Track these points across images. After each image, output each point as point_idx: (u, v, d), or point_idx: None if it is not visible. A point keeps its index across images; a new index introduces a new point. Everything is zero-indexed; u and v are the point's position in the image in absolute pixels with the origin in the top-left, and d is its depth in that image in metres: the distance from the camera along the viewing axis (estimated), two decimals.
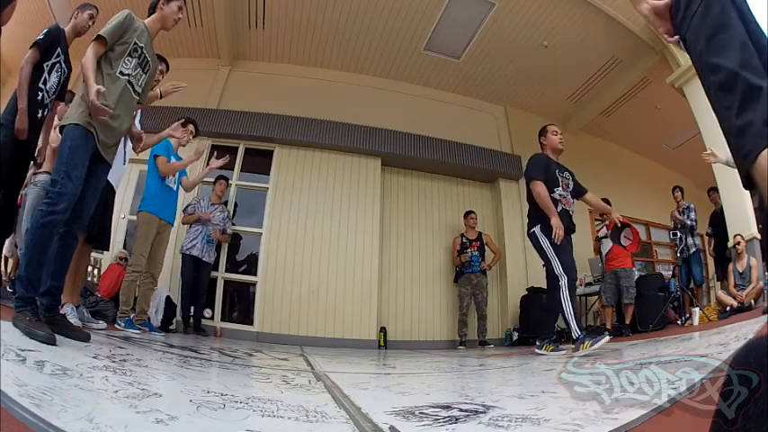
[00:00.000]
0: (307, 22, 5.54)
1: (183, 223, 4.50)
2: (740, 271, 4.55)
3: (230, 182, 4.86)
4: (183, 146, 3.81)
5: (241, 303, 5.45)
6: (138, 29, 2.07)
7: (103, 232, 3.06)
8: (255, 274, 5.31)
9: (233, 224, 4.94)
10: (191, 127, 3.74)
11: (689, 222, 5.14)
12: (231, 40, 5.76)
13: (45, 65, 2.54)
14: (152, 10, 2.20)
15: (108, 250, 3.30)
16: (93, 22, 2.70)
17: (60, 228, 1.83)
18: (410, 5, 5.22)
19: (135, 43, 2.04)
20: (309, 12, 5.38)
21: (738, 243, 4.45)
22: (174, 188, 3.81)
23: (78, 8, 2.76)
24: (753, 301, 4.32)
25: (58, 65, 2.59)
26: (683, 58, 5.13)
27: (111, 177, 2.72)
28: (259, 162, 5.72)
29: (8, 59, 4.48)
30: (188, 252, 4.34)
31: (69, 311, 2.56)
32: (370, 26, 5.54)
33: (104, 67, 1.97)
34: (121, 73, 2.00)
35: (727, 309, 4.48)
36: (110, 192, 2.91)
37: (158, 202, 3.58)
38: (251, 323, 5.13)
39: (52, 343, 1.50)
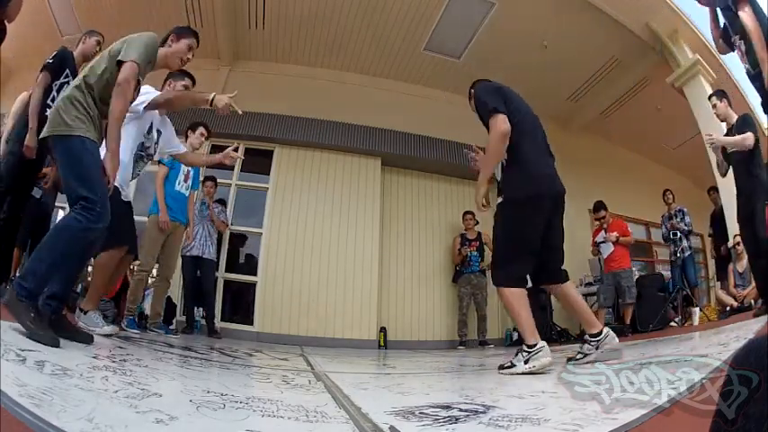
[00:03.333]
0: (306, 23, 5.54)
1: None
2: (740, 271, 4.55)
3: (219, 181, 4.86)
4: (197, 149, 3.83)
5: (241, 303, 5.45)
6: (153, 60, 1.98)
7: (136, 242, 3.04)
8: (255, 274, 5.31)
9: (226, 223, 4.93)
10: (201, 129, 3.75)
11: (686, 228, 5.13)
12: (231, 40, 5.75)
13: (54, 84, 2.68)
14: (162, 43, 2.08)
15: (138, 257, 3.31)
16: (100, 48, 2.79)
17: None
18: (410, 5, 5.21)
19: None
20: (309, 12, 5.37)
21: (738, 243, 4.45)
22: (186, 194, 3.84)
23: (86, 33, 2.93)
24: (753, 301, 4.32)
25: (66, 85, 2.66)
26: (683, 58, 5.13)
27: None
28: (259, 162, 5.72)
29: (9, 60, 4.49)
30: (188, 253, 4.33)
31: (98, 320, 2.52)
32: (370, 26, 5.54)
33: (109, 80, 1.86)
34: None
35: (727, 309, 4.48)
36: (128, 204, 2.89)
37: (168, 204, 3.59)
38: (251, 323, 5.13)
39: (56, 345, 1.48)
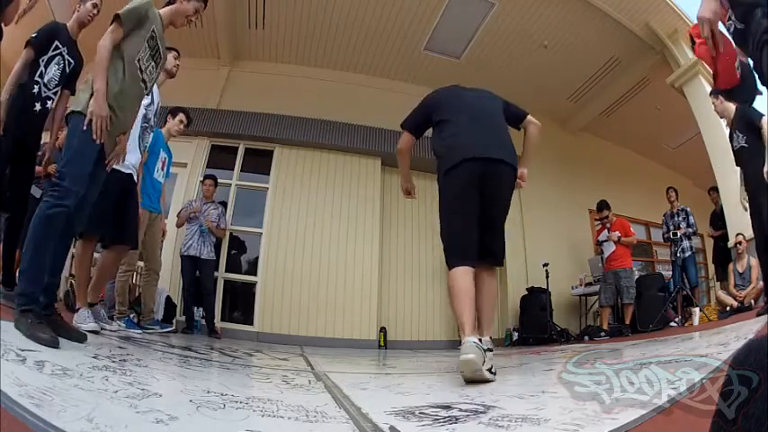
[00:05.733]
0: (306, 23, 5.54)
1: (178, 226, 4.49)
2: (740, 271, 4.55)
3: (219, 180, 4.84)
4: (174, 136, 3.73)
5: (241, 303, 5.45)
6: (155, 17, 1.99)
7: (130, 230, 2.92)
8: (255, 274, 5.31)
9: (224, 228, 4.86)
10: (181, 116, 3.64)
11: (691, 230, 5.12)
12: (231, 40, 5.75)
13: (41, 60, 2.53)
14: (169, 2, 2.11)
15: (137, 248, 3.22)
16: (98, 11, 2.67)
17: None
18: (410, 5, 5.22)
19: (153, 31, 1.96)
20: (309, 12, 5.38)
21: (740, 243, 4.45)
22: (162, 180, 3.69)
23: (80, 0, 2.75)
24: (753, 301, 4.32)
25: (58, 57, 2.58)
26: (683, 58, 5.14)
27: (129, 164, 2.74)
28: (259, 162, 5.72)
29: (9, 59, 4.48)
30: (186, 253, 4.33)
31: (86, 315, 2.52)
32: (370, 26, 5.54)
33: (117, 54, 1.87)
34: (134, 63, 1.91)
35: (727, 309, 4.48)
36: (130, 181, 2.84)
37: (146, 198, 3.44)
38: (251, 323, 5.13)
39: (55, 346, 1.47)
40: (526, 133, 2.40)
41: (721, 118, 3.55)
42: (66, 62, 2.62)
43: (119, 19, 1.85)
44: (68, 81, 2.66)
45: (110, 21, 1.87)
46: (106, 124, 1.79)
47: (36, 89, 2.53)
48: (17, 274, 1.71)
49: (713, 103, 3.52)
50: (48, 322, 1.67)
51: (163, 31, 2.08)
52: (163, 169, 3.65)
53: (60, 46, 2.59)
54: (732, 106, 3.33)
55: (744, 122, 3.14)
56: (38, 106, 2.56)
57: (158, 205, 3.61)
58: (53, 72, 2.58)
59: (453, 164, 2.00)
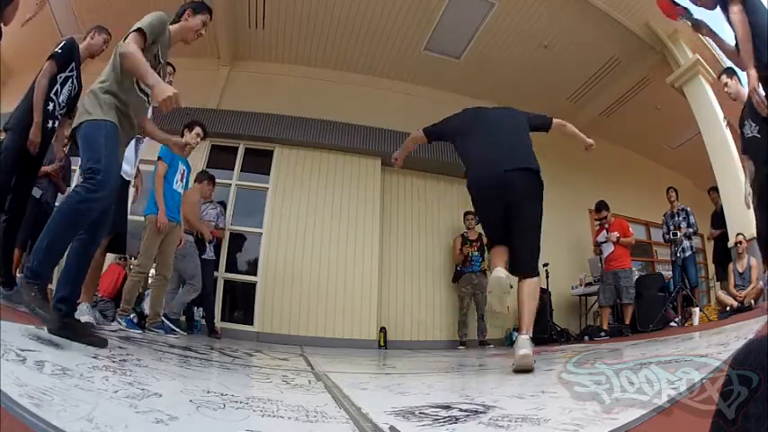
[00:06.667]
0: (306, 23, 5.54)
1: None
2: (740, 271, 4.55)
3: (217, 180, 4.83)
4: (193, 148, 3.79)
5: (241, 303, 5.45)
6: (166, 34, 2.01)
7: (124, 236, 3.07)
8: (255, 274, 5.31)
9: (221, 227, 4.87)
10: (197, 129, 3.70)
11: (691, 230, 5.11)
12: (231, 40, 5.75)
13: (59, 77, 2.59)
14: (177, 18, 2.12)
15: (125, 253, 3.30)
16: (107, 47, 2.76)
17: (96, 217, 1.78)
18: (410, 5, 5.22)
19: (158, 50, 1.98)
20: (309, 12, 5.38)
21: (740, 242, 4.45)
22: (181, 191, 3.80)
23: (95, 30, 2.84)
24: (753, 301, 4.32)
25: (71, 80, 2.64)
26: (683, 58, 5.14)
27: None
28: (259, 162, 5.72)
29: (9, 59, 4.49)
30: None
31: (85, 309, 2.56)
32: (370, 26, 5.54)
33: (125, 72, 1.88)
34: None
35: (727, 309, 4.49)
36: (123, 186, 2.89)
37: (166, 208, 3.55)
38: (251, 323, 5.13)
39: (55, 328, 1.48)
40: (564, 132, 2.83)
41: (734, 100, 3.37)
42: (74, 87, 2.66)
43: (143, 33, 1.85)
44: (71, 108, 2.69)
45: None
46: (176, 99, 1.75)
47: (51, 106, 2.58)
48: (32, 251, 1.69)
49: (726, 83, 3.28)
50: (68, 328, 1.68)
51: (169, 47, 2.09)
52: (182, 181, 3.77)
53: (75, 68, 2.66)
54: (745, 90, 3.00)
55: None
56: (50, 123, 2.60)
57: (178, 215, 3.70)
58: (65, 93, 2.63)
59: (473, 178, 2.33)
